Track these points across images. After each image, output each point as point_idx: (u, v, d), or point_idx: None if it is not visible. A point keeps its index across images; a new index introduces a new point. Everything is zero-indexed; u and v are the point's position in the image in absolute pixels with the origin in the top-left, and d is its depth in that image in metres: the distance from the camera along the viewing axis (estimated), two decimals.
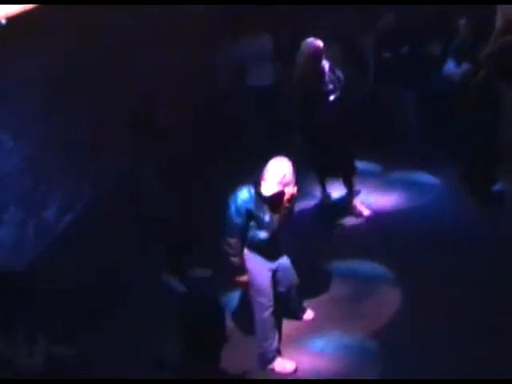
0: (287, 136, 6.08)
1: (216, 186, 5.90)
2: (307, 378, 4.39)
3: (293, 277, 4.62)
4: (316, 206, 6.61)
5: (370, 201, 6.48)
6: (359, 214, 6.23)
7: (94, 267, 5.25)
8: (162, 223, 5.44)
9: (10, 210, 4.63)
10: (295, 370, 4.45)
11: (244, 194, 4.12)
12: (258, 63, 7.35)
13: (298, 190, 4.21)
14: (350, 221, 6.23)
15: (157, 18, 6.65)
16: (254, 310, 4.42)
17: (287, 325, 4.87)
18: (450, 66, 6.11)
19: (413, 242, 5.58)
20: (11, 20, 4.21)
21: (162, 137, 5.34)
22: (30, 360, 3.30)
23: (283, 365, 4.47)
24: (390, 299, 5.02)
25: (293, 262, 4.60)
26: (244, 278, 4.39)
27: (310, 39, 5.72)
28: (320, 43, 5.66)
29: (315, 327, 4.84)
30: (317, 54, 5.67)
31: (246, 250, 4.34)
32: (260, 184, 4.05)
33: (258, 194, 4.10)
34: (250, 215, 4.16)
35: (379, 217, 6.21)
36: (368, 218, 6.19)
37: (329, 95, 5.79)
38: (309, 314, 4.94)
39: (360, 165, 6.43)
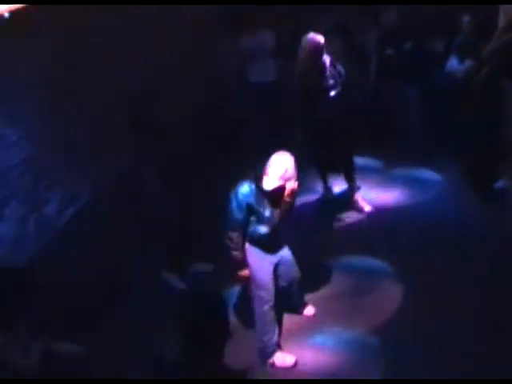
0: (289, 132, 6.07)
1: (216, 184, 5.90)
2: (308, 374, 4.38)
3: (294, 271, 4.63)
4: (317, 201, 6.60)
5: (372, 197, 6.47)
6: (360, 210, 6.23)
7: (94, 264, 5.25)
8: (162, 221, 5.44)
9: (12, 204, 4.63)
10: (295, 364, 4.45)
11: (245, 189, 4.15)
12: (259, 59, 7.35)
13: (299, 185, 4.23)
14: (351, 216, 6.22)
15: (157, 17, 6.65)
16: (253, 304, 4.44)
17: (288, 320, 4.87)
18: (452, 63, 6.09)
19: (415, 239, 5.57)
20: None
21: (162, 136, 5.34)
22: (29, 358, 3.29)
23: (283, 359, 4.47)
24: (391, 295, 5.01)
25: (294, 256, 4.62)
26: (245, 273, 4.41)
27: (311, 34, 5.70)
28: (321, 38, 5.65)
29: (316, 323, 4.84)
30: (317, 50, 5.66)
31: (247, 244, 4.36)
32: (261, 179, 4.08)
33: (259, 188, 4.13)
34: (250, 210, 4.19)
35: (381, 213, 6.20)
36: (370, 214, 6.19)
37: (330, 90, 5.78)
38: (310, 310, 4.94)
39: (362, 161, 6.45)
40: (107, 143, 5.86)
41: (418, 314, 4.69)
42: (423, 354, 4.30)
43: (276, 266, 4.47)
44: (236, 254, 4.31)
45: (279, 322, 4.71)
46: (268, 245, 4.37)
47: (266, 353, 4.47)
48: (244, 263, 4.37)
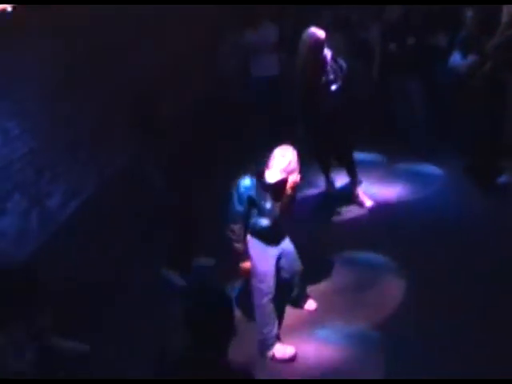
0: (290, 126, 6.07)
1: (218, 177, 5.90)
2: (310, 368, 4.39)
3: (296, 263, 4.66)
4: (319, 195, 6.63)
5: (375, 191, 6.49)
6: (361, 204, 6.25)
7: (96, 258, 5.26)
8: (164, 215, 5.45)
9: (14, 198, 4.64)
10: (295, 356, 4.47)
11: (246, 182, 4.20)
12: (262, 54, 7.34)
13: (302, 179, 4.26)
14: (353, 211, 6.24)
15: (158, 12, 6.66)
16: (253, 296, 4.49)
17: (290, 315, 4.89)
18: (456, 58, 6.07)
19: (417, 233, 5.57)
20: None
21: (165, 129, 5.34)
22: (25, 358, 3.29)
23: (283, 350, 4.50)
24: (393, 290, 5.01)
25: (296, 250, 4.64)
26: (247, 265, 4.45)
27: (312, 29, 5.70)
28: (322, 33, 5.64)
29: (318, 317, 4.85)
30: (318, 44, 5.65)
31: (248, 236, 4.41)
32: (263, 172, 4.12)
33: (261, 181, 4.17)
34: (251, 203, 4.24)
35: (383, 207, 6.21)
36: (372, 209, 6.20)
37: (330, 85, 5.78)
38: (312, 305, 4.95)
39: (365, 156, 6.44)
40: (109, 137, 5.88)
41: (419, 309, 4.69)
42: (425, 348, 4.31)
43: (278, 259, 4.51)
44: (238, 245, 4.37)
45: (280, 314, 4.75)
46: (269, 237, 4.42)
47: (266, 345, 4.50)
48: (246, 255, 4.42)
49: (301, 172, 4.21)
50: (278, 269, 4.53)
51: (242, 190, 4.20)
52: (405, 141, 7.05)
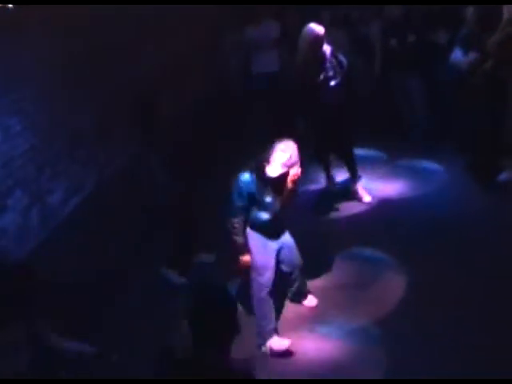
0: (291, 122, 6.08)
1: (218, 178, 5.90)
2: (311, 365, 4.38)
3: (296, 257, 4.68)
4: (319, 191, 6.64)
5: (375, 188, 6.50)
6: (360, 200, 6.27)
7: (96, 257, 5.24)
8: (164, 215, 5.44)
9: (15, 195, 4.63)
10: (291, 348, 4.46)
11: (246, 178, 4.24)
12: (264, 50, 7.35)
13: (303, 172, 4.30)
14: (354, 208, 6.24)
15: (158, 12, 6.66)
16: (252, 289, 4.51)
17: (291, 311, 4.89)
18: (457, 55, 6.08)
19: (417, 230, 5.58)
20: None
21: (164, 131, 5.34)
22: (28, 357, 3.27)
23: (279, 342, 4.50)
24: (393, 286, 5.01)
25: (296, 245, 4.66)
26: (247, 258, 4.49)
27: (311, 25, 5.71)
28: (321, 29, 5.66)
29: (319, 313, 4.85)
30: (318, 40, 5.67)
31: (248, 230, 4.45)
32: (263, 167, 4.14)
33: (261, 176, 4.19)
34: (251, 197, 4.28)
35: (384, 204, 6.22)
36: (372, 206, 6.21)
37: (329, 81, 5.78)
38: (312, 301, 4.95)
39: (366, 152, 6.43)
40: (110, 136, 5.87)
41: (419, 305, 4.68)
42: (425, 344, 4.30)
43: (277, 252, 4.54)
44: (237, 238, 4.41)
45: (279, 308, 4.77)
46: (270, 231, 4.46)
47: (264, 337, 4.52)
48: (246, 248, 4.46)
49: (302, 165, 4.24)
50: (278, 262, 4.57)
51: (241, 185, 4.25)
52: (405, 138, 7.08)
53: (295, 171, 4.18)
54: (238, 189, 4.26)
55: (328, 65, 5.75)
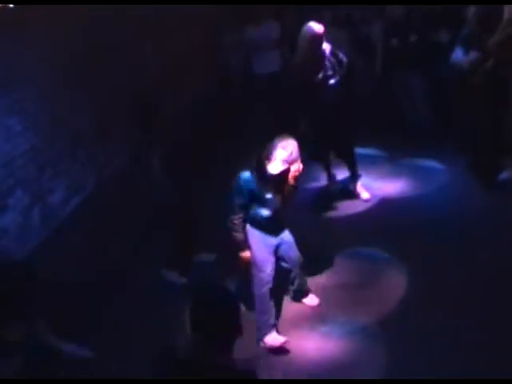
0: (292, 121, 6.07)
1: (218, 178, 5.89)
2: (311, 363, 4.38)
3: (295, 254, 4.69)
4: (320, 190, 6.64)
5: (376, 187, 6.51)
6: (358, 197, 6.29)
7: (96, 257, 5.23)
8: (163, 216, 5.43)
9: (16, 194, 4.63)
10: (286, 344, 4.47)
11: (246, 175, 4.27)
12: (264, 50, 7.35)
13: (304, 169, 4.31)
14: (355, 206, 6.24)
15: (158, 12, 6.66)
16: (253, 285, 4.53)
17: (292, 310, 4.89)
18: (457, 54, 6.08)
19: (418, 229, 5.57)
20: None
21: (164, 131, 5.33)
22: (28, 357, 3.26)
23: (276, 338, 4.51)
24: (394, 285, 5.00)
25: (297, 243, 4.66)
26: (247, 254, 4.52)
27: (310, 23, 5.71)
28: (320, 27, 5.66)
29: (320, 312, 4.84)
30: (317, 38, 5.67)
31: (248, 226, 4.49)
32: (264, 164, 4.16)
33: (261, 174, 4.21)
34: (251, 195, 4.31)
35: (385, 203, 6.23)
36: (374, 204, 6.21)
37: (328, 79, 5.78)
38: (314, 300, 4.94)
39: (366, 151, 6.43)
40: (110, 136, 5.87)
41: (421, 305, 4.68)
42: (426, 344, 4.28)
43: (276, 249, 4.56)
44: (237, 235, 4.46)
45: (280, 305, 4.80)
46: (269, 227, 4.49)
47: (262, 333, 4.53)
48: (245, 245, 4.50)
49: (302, 161, 4.27)
50: (277, 259, 4.59)
51: (241, 183, 4.28)
52: (406, 137, 7.07)
53: (296, 167, 4.22)
54: (238, 186, 4.29)
55: (327, 63, 5.76)
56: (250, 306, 4.59)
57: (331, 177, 6.58)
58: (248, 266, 4.56)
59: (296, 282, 4.84)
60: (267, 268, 4.47)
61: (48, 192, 5.01)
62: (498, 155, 6.10)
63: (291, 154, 4.13)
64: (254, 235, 4.49)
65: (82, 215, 5.34)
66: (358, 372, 4.20)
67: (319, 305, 4.91)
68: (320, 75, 5.74)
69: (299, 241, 4.68)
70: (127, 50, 6.05)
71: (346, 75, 5.81)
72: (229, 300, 2.83)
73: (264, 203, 4.35)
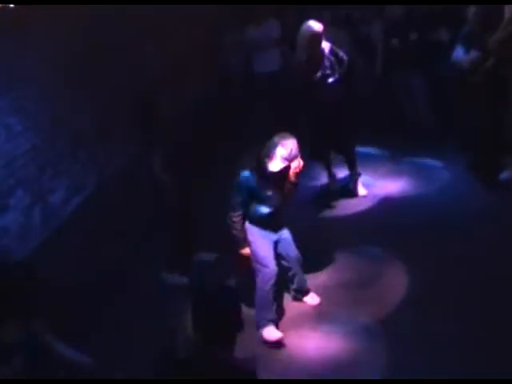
0: (293, 120, 6.08)
1: (218, 178, 5.90)
2: (311, 362, 4.37)
3: (293, 251, 4.72)
4: (320, 189, 6.65)
5: (377, 186, 6.52)
6: (356, 194, 6.30)
7: (96, 257, 5.23)
8: (163, 216, 5.43)
9: (17, 194, 4.63)
10: (281, 340, 4.49)
11: (246, 174, 4.32)
12: (265, 49, 7.35)
13: (304, 166, 4.35)
14: (356, 205, 6.24)
15: (158, 12, 6.66)
16: (256, 280, 4.55)
17: (293, 309, 4.89)
18: (458, 53, 6.08)
19: (419, 229, 5.56)
20: None
21: (164, 131, 5.33)
22: (27, 357, 3.26)
23: (271, 333, 4.52)
24: (395, 285, 5.00)
25: (297, 243, 4.69)
26: (246, 251, 4.56)
27: (310, 22, 5.71)
28: (320, 26, 5.67)
29: (321, 311, 4.84)
30: (316, 37, 5.68)
31: (247, 224, 4.52)
32: (264, 162, 4.20)
33: (261, 172, 4.26)
34: (251, 193, 4.36)
35: (386, 202, 6.23)
36: (374, 203, 6.21)
37: (327, 78, 5.78)
38: (315, 299, 4.94)
39: (367, 151, 6.43)
40: (110, 136, 5.87)
41: (421, 304, 4.67)
42: (426, 344, 4.27)
43: (275, 245, 4.59)
44: (237, 232, 4.52)
45: (280, 303, 4.82)
46: (269, 225, 4.53)
47: (261, 326, 4.55)
48: (245, 242, 4.54)
49: (302, 158, 4.31)
50: (277, 256, 4.61)
51: (242, 181, 4.33)
52: (407, 136, 7.07)
53: (296, 164, 4.26)
54: (238, 184, 4.34)
55: (326, 62, 5.76)
56: (250, 304, 4.59)
57: (332, 175, 6.58)
58: (248, 264, 4.57)
59: (296, 281, 4.84)
60: (270, 263, 4.50)
61: (49, 192, 5.02)
62: (498, 154, 6.10)
63: (291, 151, 4.18)
64: (254, 233, 4.52)
65: (82, 215, 5.34)
66: (358, 371, 4.19)
67: (320, 304, 4.91)
68: (319, 74, 5.75)
69: (300, 239, 4.70)
70: (128, 49, 6.05)
71: (346, 74, 5.82)
72: (229, 299, 2.84)
73: (264, 200, 4.40)
